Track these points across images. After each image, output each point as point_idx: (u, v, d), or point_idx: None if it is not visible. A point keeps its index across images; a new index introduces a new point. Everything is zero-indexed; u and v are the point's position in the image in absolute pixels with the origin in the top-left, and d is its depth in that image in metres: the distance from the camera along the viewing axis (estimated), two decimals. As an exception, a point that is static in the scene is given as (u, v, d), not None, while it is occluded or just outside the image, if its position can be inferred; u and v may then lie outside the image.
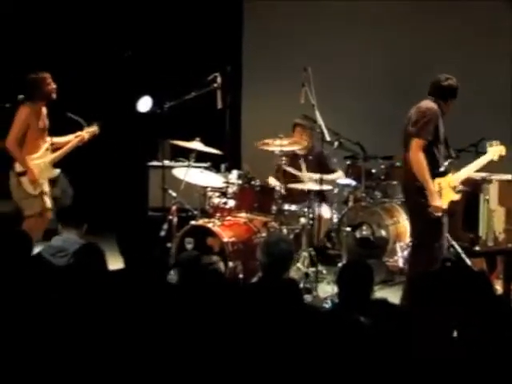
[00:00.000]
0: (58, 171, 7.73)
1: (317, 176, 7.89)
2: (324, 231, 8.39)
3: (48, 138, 7.66)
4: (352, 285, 4.37)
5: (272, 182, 8.23)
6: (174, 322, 3.95)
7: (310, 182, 7.89)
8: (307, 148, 8.36)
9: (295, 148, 8.09)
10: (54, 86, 7.52)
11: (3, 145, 7.42)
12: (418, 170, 6.36)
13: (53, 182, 7.70)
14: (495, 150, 6.85)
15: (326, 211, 8.31)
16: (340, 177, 8.52)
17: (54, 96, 7.53)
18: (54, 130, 7.73)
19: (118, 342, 3.87)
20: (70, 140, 7.75)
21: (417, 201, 6.44)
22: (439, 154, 6.49)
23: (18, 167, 7.46)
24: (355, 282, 4.36)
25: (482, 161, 6.82)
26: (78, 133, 7.78)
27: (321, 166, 8.17)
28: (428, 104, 6.48)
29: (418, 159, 6.35)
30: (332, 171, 8.45)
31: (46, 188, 7.55)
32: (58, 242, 5.55)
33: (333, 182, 8.39)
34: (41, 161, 7.54)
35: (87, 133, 7.79)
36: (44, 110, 7.58)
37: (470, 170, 6.77)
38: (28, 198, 7.42)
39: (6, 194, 7.56)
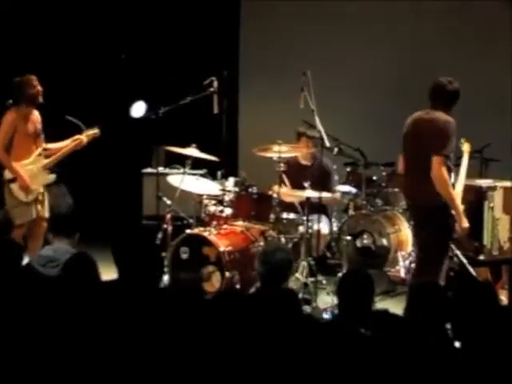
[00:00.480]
0: (53, 176, 7.57)
1: (300, 194, 7.79)
2: (323, 244, 8.30)
3: (43, 144, 7.49)
4: (352, 295, 4.29)
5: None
6: (169, 334, 3.88)
7: (291, 197, 7.89)
8: (309, 157, 8.29)
9: (294, 155, 8.03)
10: (39, 88, 7.34)
11: None
12: (444, 189, 6.13)
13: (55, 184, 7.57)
14: (467, 147, 6.91)
15: (324, 226, 8.21)
16: (336, 198, 8.33)
17: (41, 99, 7.36)
18: (53, 135, 7.61)
19: (110, 353, 3.83)
20: (67, 145, 7.58)
21: (439, 219, 6.20)
22: (452, 165, 6.30)
23: (8, 174, 7.33)
24: (355, 293, 4.28)
25: (465, 161, 6.83)
26: (76, 136, 7.59)
27: (322, 178, 8.01)
28: (444, 117, 6.20)
29: (443, 177, 6.11)
30: (330, 190, 8.21)
31: (41, 196, 7.41)
32: (49, 251, 5.45)
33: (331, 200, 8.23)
34: (32, 166, 7.39)
35: (86, 136, 7.60)
36: (35, 114, 7.42)
37: (463, 176, 6.69)
38: (19, 205, 7.28)
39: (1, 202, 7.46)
